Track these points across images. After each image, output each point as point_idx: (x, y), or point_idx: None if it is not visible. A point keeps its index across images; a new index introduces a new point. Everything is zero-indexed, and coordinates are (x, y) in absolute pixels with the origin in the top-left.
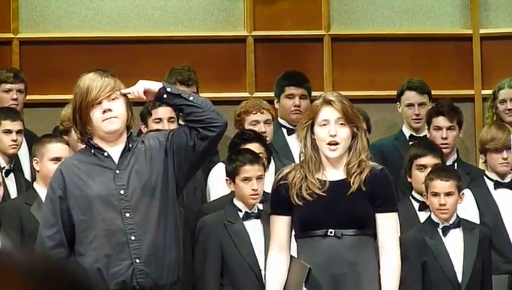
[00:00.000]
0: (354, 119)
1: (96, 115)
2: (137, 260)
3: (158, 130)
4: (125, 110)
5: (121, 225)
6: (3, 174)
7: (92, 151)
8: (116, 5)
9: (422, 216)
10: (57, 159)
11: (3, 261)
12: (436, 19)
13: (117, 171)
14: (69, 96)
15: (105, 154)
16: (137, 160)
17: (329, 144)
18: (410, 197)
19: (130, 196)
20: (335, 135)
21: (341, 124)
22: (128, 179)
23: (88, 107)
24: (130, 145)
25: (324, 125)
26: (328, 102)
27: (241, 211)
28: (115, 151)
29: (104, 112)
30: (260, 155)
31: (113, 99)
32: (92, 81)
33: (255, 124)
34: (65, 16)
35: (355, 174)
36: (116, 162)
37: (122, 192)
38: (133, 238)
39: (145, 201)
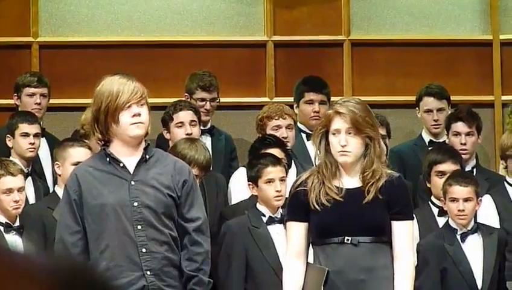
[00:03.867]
0: (365, 129)
1: (124, 118)
2: (148, 272)
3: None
4: (149, 117)
5: (132, 236)
6: None
7: (107, 159)
8: (135, 10)
9: (442, 222)
10: (79, 163)
11: (27, 265)
12: (456, 24)
13: (132, 183)
14: (88, 100)
15: (121, 164)
16: (152, 173)
17: (339, 152)
18: (430, 203)
19: (142, 208)
20: (345, 145)
21: (350, 133)
22: (143, 191)
23: (117, 110)
24: (147, 156)
25: (335, 134)
26: (339, 112)
27: (264, 215)
28: (130, 161)
29: (134, 116)
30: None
31: (141, 104)
32: (121, 84)
33: (276, 129)
34: (85, 20)
35: (371, 182)
36: (132, 173)
37: (135, 204)
38: (144, 250)
39: (158, 215)
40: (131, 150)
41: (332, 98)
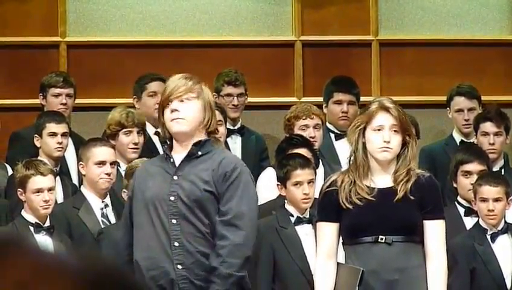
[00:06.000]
0: (408, 127)
1: (166, 114)
2: (179, 266)
3: None
4: (198, 113)
5: (167, 229)
6: None
7: (166, 154)
8: (163, 9)
9: (468, 222)
10: (102, 162)
11: (56, 264)
12: (484, 24)
13: (174, 177)
14: (116, 100)
15: (171, 160)
16: (197, 169)
17: (381, 148)
18: (456, 203)
19: (177, 202)
20: (389, 142)
21: (395, 130)
22: (181, 186)
23: (163, 106)
24: (199, 153)
25: (378, 130)
26: (385, 108)
27: (292, 215)
28: (180, 157)
29: (172, 111)
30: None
31: (182, 100)
32: (171, 82)
33: (304, 129)
34: (113, 19)
35: (402, 182)
36: (177, 168)
37: (172, 198)
38: (176, 244)
39: (192, 209)
40: (182, 145)
41: (361, 98)
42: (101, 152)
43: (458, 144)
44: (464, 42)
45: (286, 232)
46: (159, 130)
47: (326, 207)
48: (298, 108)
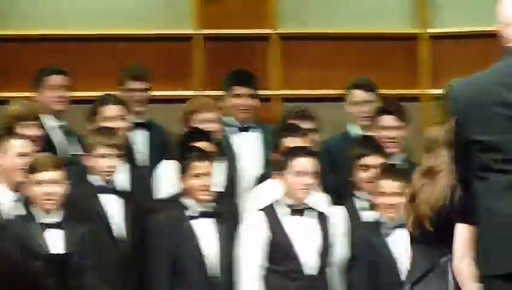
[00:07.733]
0: None
1: None
2: None
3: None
4: None
5: None
6: None
7: None
8: (62, 3)
9: (366, 216)
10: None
11: None
12: (384, 18)
13: None
14: (16, 94)
15: None
16: None
17: None
18: (355, 197)
19: None
20: None
21: None
22: None
23: None
24: None
25: None
26: None
27: (191, 208)
28: None
29: None
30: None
31: None
32: None
33: (203, 122)
34: (12, 13)
35: None
36: None
37: None
38: None
39: None
40: None
41: (260, 92)
42: (17, 143)
43: (355, 137)
44: (364, 36)
45: (184, 225)
46: (63, 123)
47: None
48: (196, 101)
